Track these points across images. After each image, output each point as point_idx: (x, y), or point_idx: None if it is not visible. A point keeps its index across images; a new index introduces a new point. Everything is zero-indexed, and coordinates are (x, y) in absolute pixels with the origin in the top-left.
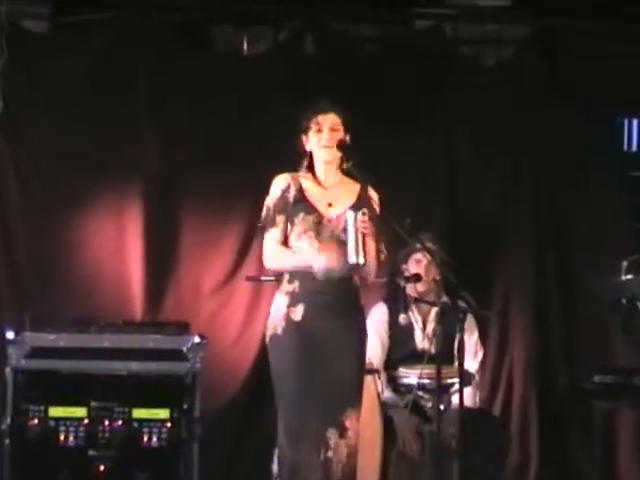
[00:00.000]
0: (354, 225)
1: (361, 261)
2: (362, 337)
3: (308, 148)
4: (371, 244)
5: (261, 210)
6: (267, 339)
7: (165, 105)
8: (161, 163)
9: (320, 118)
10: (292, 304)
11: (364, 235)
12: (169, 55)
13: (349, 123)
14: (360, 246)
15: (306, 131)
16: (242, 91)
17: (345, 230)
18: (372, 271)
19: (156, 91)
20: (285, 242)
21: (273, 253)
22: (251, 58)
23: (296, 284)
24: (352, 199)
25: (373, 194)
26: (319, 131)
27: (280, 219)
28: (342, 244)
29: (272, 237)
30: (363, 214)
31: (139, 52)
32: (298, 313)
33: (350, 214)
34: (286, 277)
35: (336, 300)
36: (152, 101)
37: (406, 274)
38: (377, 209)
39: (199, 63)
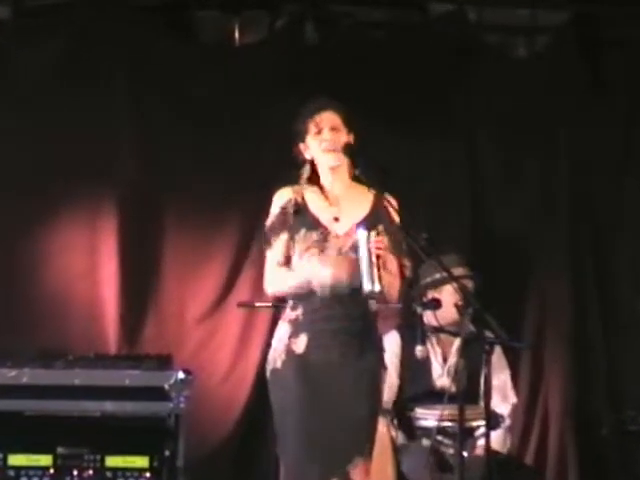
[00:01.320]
0: (366, 246)
1: (376, 288)
2: (377, 373)
3: (308, 156)
4: (392, 260)
5: (255, 225)
6: (267, 374)
7: (145, 104)
8: (140, 171)
9: (318, 118)
10: (294, 334)
11: (378, 257)
12: (148, 46)
13: (350, 121)
14: (374, 271)
15: (303, 136)
16: (233, 88)
17: (357, 251)
18: (395, 291)
19: (134, 87)
20: (286, 264)
21: (271, 276)
22: (243, 49)
23: (299, 311)
24: (364, 210)
25: (391, 201)
26: (318, 133)
27: (277, 240)
28: (352, 262)
29: (270, 259)
30: (377, 234)
31: (114, 42)
32: (300, 344)
33: (362, 233)
34: (289, 303)
35: (346, 328)
36: (130, 99)
37: (424, 299)
38: (397, 218)
39: (183, 55)
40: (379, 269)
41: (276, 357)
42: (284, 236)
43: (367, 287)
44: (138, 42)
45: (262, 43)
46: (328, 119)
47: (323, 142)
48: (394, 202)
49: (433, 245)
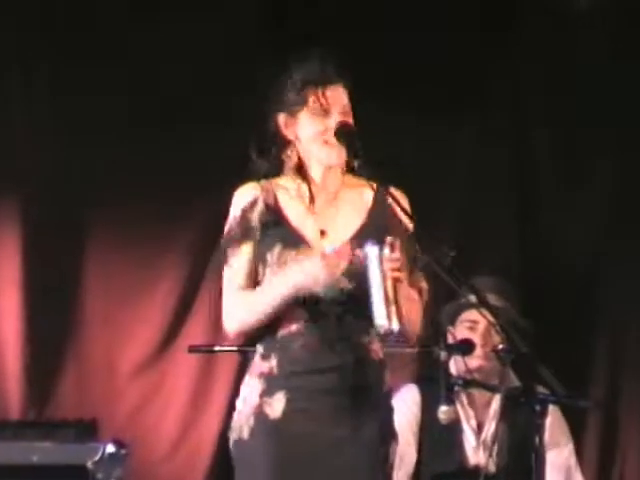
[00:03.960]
0: (379, 268)
1: (395, 326)
2: (383, 445)
3: (291, 135)
4: (403, 285)
5: (212, 243)
6: (230, 446)
7: (52, 73)
8: (50, 169)
9: (325, 91)
10: (267, 392)
11: (396, 282)
12: None
13: (353, 98)
14: (392, 302)
15: (293, 107)
16: (177, 44)
17: (366, 275)
18: (416, 326)
19: (31, 48)
20: (248, 284)
21: (231, 306)
22: None
23: (273, 361)
24: (360, 216)
25: (399, 197)
26: (324, 113)
27: (238, 254)
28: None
29: (229, 283)
30: (392, 247)
31: None
32: (276, 406)
33: (372, 250)
34: (259, 350)
35: (339, 382)
36: (26, 68)
37: (450, 341)
38: (408, 223)
39: None
40: (397, 300)
41: (242, 424)
42: (247, 249)
43: (382, 324)
44: None
45: None
46: (338, 98)
47: (329, 129)
48: (403, 199)
49: (460, 264)
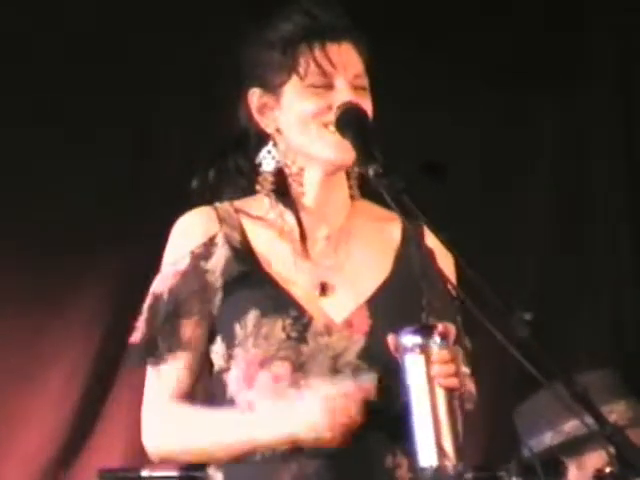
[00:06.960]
0: (426, 374)
1: (450, 466)
2: None
3: (270, 128)
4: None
5: (132, 307)
6: None
7: None
8: None
9: (325, 48)
10: None
11: (450, 394)
12: None
13: (371, 72)
14: (445, 428)
15: (273, 80)
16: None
17: (401, 380)
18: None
19: None
20: (192, 390)
21: (159, 421)
22: None
23: None
24: (383, 263)
25: (438, 248)
26: (325, 83)
27: (188, 332)
28: (366, 392)
29: (158, 382)
30: (443, 339)
31: None
32: None
33: (412, 343)
34: (217, 477)
35: None
36: None
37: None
38: (450, 286)
39: None
40: (453, 423)
41: None
42: (196, 326)
43: (429, 464)
44: None
45: None
46: (349, 61)
47: (331, 110)
48: (443, 251)
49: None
